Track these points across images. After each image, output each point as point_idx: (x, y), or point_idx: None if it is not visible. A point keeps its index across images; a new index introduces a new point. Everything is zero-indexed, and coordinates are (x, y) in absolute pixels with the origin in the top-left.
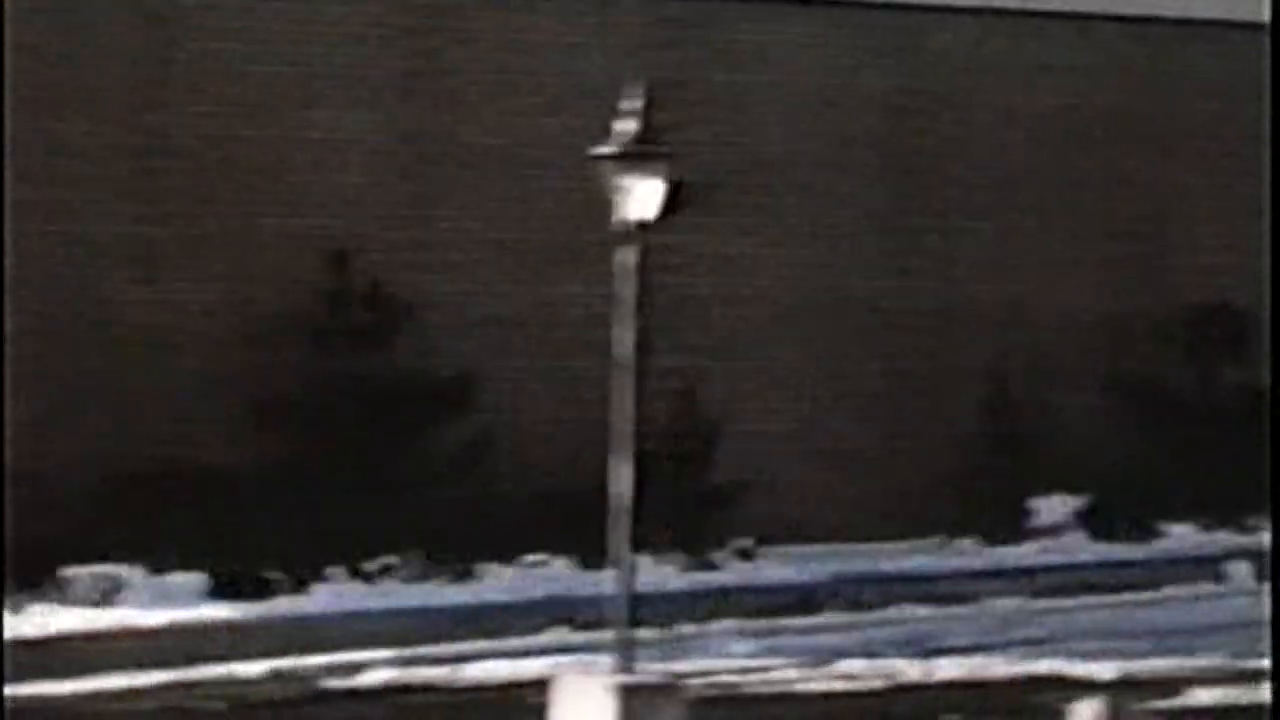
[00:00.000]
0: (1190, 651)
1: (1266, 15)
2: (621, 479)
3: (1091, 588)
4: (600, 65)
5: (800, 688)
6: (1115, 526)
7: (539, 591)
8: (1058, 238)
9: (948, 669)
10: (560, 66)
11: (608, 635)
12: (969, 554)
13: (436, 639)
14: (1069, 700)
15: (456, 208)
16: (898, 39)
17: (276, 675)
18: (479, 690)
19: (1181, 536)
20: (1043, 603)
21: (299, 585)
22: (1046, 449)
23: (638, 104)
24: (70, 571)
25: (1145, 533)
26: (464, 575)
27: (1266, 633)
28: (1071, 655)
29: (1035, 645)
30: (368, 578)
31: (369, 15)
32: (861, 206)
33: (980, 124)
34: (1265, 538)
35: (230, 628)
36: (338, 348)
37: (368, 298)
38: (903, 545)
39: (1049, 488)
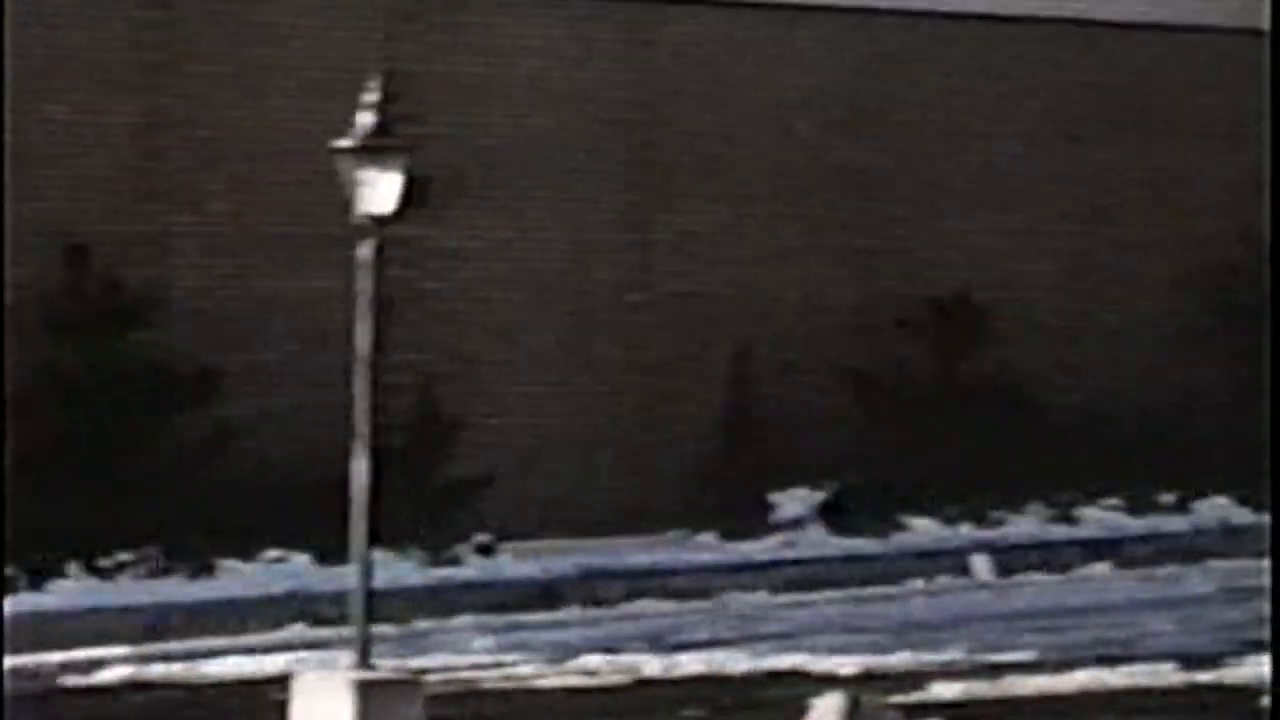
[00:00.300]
0: (932, 645)
1: (1030, 9)
2: (359, 474)
3: (833, 582)
4: (347, 56)
5: (540, 683)
6: (857, 520)
7: (279, 587)
8: (801, 228)
9: (689, 664)
10: (307, 56)
11: (348, 631)
12: (710, 548)
13: (175, 635)
14: (810, 695)
15: (201, 198)
16: (638, 30)
17: (13, 672)
18: (219, 687)
19: (923, 530)
20: (784, 597)
21: (35, 581)
22: (789, 442)
23: (376, 97)
24: None
25: (887, 526)
26: (203, 571)
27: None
28: (813, 650)
29: (777, 640)
30: (105, 573)
31: (112, 1)
32: (605, 197)
33: (724, 114)
34: (1006, 530)
35: None
36: (76, 340)
37: (107, 289)
38: (644, 540)
39: (791, 481)
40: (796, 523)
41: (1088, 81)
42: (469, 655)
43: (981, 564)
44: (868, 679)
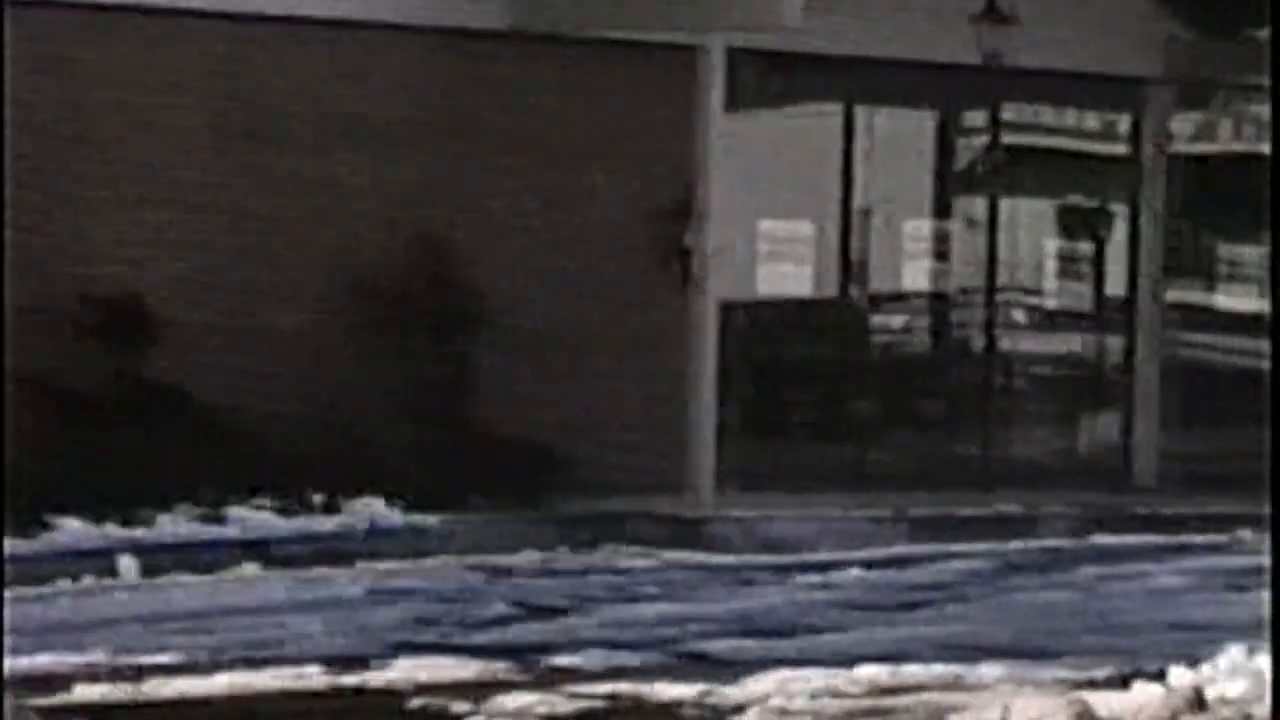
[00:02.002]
0: (75, 647)
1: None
2: None
3: None
4: None
5: None
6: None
7: None
8: None
9: None
10: None
11: None
12: None
13: None
14: None
15: None
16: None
17: None
18: None
19: (72, 530)
20: None
21: None
22: None
23: None
24: None
25: (35, 527)
26: None
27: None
28: None
29: None
30: None
31: None
32: None
33: None
34: (156, 531)
35: None
36: None
37: None
38: None
39: None
40: None
41: (254, 81)
42: None
43: (128, 564)
44: None
